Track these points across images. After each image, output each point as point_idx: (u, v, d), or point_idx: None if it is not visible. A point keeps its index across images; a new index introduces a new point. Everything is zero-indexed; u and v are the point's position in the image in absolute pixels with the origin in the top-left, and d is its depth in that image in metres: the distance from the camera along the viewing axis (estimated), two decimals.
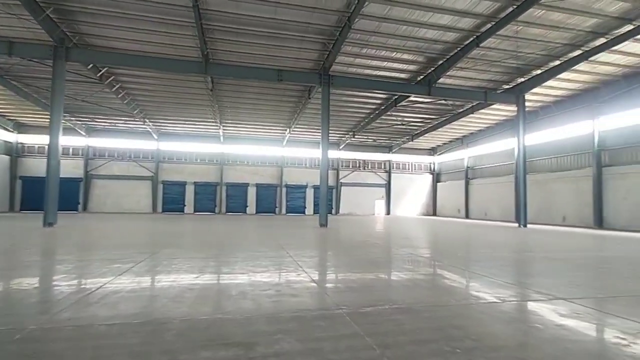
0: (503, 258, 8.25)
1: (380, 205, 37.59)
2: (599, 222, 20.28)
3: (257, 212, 34.00)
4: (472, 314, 3.82)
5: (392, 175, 37.91)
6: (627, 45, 15.53)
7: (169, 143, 33.01)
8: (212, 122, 28.61)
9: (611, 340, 3.08)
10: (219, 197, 33.53)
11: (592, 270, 7.07)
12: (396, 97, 22.57)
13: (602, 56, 16.54)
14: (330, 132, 18.53)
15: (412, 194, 38.50)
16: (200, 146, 33.57)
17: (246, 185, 34.21)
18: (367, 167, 37.58)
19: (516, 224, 21.14)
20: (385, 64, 18.27)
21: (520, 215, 20.52)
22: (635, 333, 3.19)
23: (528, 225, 20.47)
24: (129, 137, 32.07)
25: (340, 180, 36.45)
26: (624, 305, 4.15)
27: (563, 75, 18.49)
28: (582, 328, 3.40)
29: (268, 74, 17.47)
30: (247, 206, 34.03)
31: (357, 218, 29.72)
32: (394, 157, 38.14)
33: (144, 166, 32.26)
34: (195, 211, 32.68)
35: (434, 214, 38.18)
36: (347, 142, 33.97)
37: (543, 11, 13.70)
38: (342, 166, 36.72)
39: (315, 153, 34.25)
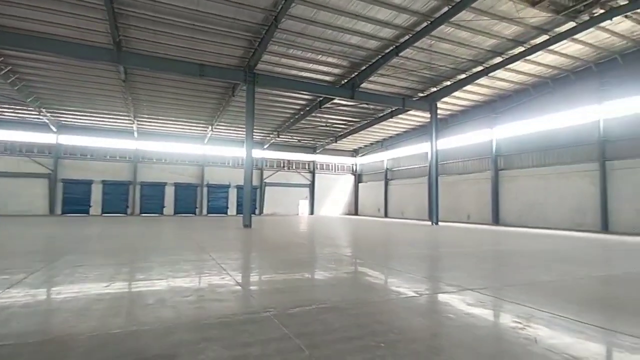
0: (418, 254, 8.91)
1: (304, 205, 38.00)
2: (496, 219, 23.02)
3: (176, 212, 32.01)
4: (394, 309, 4.04)
5: (316, 175, 38.58)
6: (518, 65, 17.94)
7: (72, 137, 29.24)
8: (125, 115, 26.18)
9: (510, 324, 3.50)
10: (132, 197, 30.82)
11: (491, 262, 7.99)
12: (321, 99, 23.03)
13: (499, 73, 18.87)
14: (254, 131, 18.22)
15: (335, 194, 39.62)
16: (110, 142, 30.36)
17: (164, 184, 31.97)
18: (292, 167, 37.74)
19: (429, 222, 22.99)
20: (311, 65, 18.51)
21: (433, 214, 22.36)
22: (528, 317, 3.67)
23: (439, 223, 22.41)
24: (20, 129, 27.56)
25: (265, 180, 36.06)
26: (517, 293, 4.76)
27: (468, 87, 20.72)
28: (486, 315, 3.82)
29: (189, 68, 16.54)
30: (164, 207, 31.82)
31: (281, 218, 29.68)
32: (318, 158, 38.87)
33: (39, 162, 28.20)
34: (103, 212, 29.59)
35: (356, 213, 39.79)
36: (271, 141, 33.71)
37: (452, 29, 15.13)
38: (266, 166, 36.35)
39: (239, 152, 33.38)
